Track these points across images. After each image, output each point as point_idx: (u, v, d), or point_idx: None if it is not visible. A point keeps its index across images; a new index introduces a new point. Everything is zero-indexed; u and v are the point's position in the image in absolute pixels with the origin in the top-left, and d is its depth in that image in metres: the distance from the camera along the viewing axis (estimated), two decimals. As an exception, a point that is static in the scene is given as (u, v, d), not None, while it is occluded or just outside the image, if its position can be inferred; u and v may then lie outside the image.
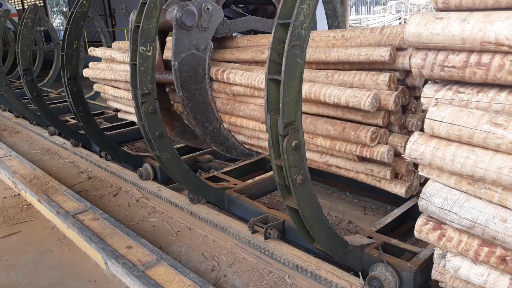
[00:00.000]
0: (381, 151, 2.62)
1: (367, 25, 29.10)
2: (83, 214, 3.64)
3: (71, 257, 3.29)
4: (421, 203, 1.75)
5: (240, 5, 4.38)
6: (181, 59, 3.38)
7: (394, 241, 2.70)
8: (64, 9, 38.47)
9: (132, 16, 3.56)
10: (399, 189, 2.76)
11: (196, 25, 3.39)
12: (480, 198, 1.62)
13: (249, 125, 3.49)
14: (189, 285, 2.61)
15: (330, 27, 4.36)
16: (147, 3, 2.90)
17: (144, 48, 2.94)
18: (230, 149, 3.92)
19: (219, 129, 3.78)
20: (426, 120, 1.64)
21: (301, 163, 2.14)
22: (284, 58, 1.95)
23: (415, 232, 1.84)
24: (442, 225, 1.75)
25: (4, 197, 4.43)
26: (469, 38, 1.51)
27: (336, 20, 4.35)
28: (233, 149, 3.92)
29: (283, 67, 1.96)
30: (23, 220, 3.92)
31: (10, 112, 7.94)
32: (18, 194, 4.47)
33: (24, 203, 4.27)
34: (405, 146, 2.26)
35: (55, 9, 48.67)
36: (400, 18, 34.17)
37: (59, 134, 6.22)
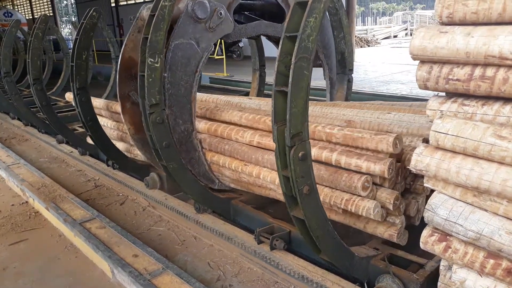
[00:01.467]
0: (367, 206, 2.52)
1: (373, 35, 29.17)
2: (90, 222, 3.67)
3: (78, 265, 3.31)
4: (427, 215, 1.76)
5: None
6: (179, 43, 3.26)
7: (400, 252, 2.70)
8: (73, 19, 38.96)
9: (142, 10, 3.60)
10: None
11: (204, 21, 3.35)
12: (486, 210, 1.63)
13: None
14: (195, 294, 2.62)
15: (336, 38, 4.39)
16: (156, 15, 2.96)
17: (152, 60, 2.99)
18: (192, 163, 3.65)
19: (190, 133, 3.55)
20: (431, 132, 1.66)
21: (308, 173, 2.16)
22: (291, 70, 1.99)
23: (420, 243, 1.85)
24: (447, 237, 1.76)
25: (12, 205, 4.48)
26: (473, 52, 1.53)
27: (341, 32, 4.39)
28: (196, 163, 3.68)
29: (290, 79, 1.99)
30: (31, 228, 3.95)
31: (19, 120, 8.02)
32: (26, 202, 4.51)
33: (32, 210, 4.31)
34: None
35: (64, 18, 49.34)
36: (406, 29, 34.28)
37: (67, 143, 6.28)
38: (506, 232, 1.55)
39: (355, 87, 8.62)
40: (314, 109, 4.12)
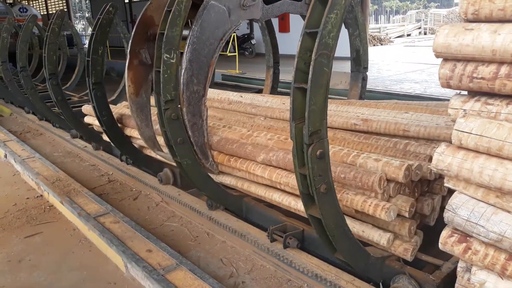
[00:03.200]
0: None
1: (387, 34, 28.89)
2: (104, 217, 3.69)
3: (91, 259, 3.33)
4: (447, 215, 1.73)
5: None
6: (215, 4, 3.14)
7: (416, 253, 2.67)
8: (87, 15, 39.23)
9: None
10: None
11: None
12: (509, 212, 1.59)
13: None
14: (208, 290, 2.62)
15: (351, 36, 4.35)
16: (172, 11, 2.95)
17: (168, 55, 2.98)
18: (194, 129, 3.44)
19: (200, 97, 3.37)
20: (454, 131, 1.63)
21: (326, 172, 2.14)
22: (311, 67, 1.96)
23: (439, 244, 1.82)
24: (468, 238, 1.73)
25: (28, 198, 4.52)
26: (500, 49, 1.50)
27: (357, 29, 4.34)
28: (197, 131, 3.47)
29: (310, 76, 1.97)
30: (46, 221, 3.99)
31: (34, 115, 8.11)
32: (41, 195, 4.56)
33: (46, 204, 4.35)
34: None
35: (78, 14, 49.77)
36: (420, 28, 33.90)
37: (81, 137, 6.33)
38: (530, 234, 1.51)
39: (369, 85, 8.57)
40: (329, 107, 4.09)
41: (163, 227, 3.83)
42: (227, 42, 17.75)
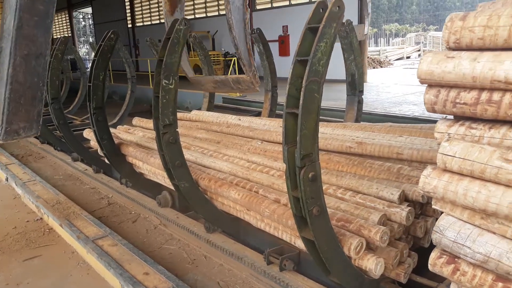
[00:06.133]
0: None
1: (386, 57, 29.26)
2: (103, 240, 3.71)
3: (90, 282, 3.34)
4: (435, 237, 1.77)
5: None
6: None
7: (411, 275, 2.68)
8: (91, 40, 39.85)
9: None
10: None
11: None
12: (494, 233, 1.63)
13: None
14: (204, 313, 2.63)
15: (346, 60, 4.46)
16: (171, 38, 3.06)
17: (166, 81, 3.07)
18: None
19: None
20: (438, 154, 1.68)
21: (318, 194, 2.18)
22: (302, 93, 2.04)
23: (429, 265, 1.85)
24: (456, 259, 1.76)
25: (27, 221, 4.55)
26: (479, 76, 1.56)
27: (352, 54, 4.45)
28: None
29: (301, 101, 2.04)
30: (45, 244, 4.01)
31: (36, 138, 8.20)
32: (41, 218, 4.59)
33: (46, 227, 4.38)
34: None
35: (82, 39, 50.62)
36: (419, 50, 34.33)
37: (82, 160, 6.40)
38: (515, 255, 1.55)
39: (368, 108, 8.63)
40: (325, 130, 4.16)
41: (161, 250, 3.84)
42: (228, 66, 18.02)
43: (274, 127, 4.53)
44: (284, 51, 18.46)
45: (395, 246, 2.57)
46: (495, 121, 1.66)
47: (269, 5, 19.33)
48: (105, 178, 5.64)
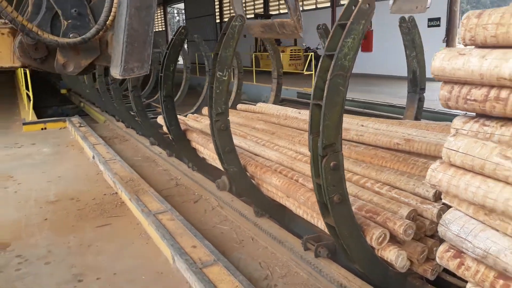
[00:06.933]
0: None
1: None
2: (163, 214, 4.13)
3: (147, 250, 3.76)
4: (440, 229, 1.81)
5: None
6: None
7: (440, 273, 2.67)
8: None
9: None
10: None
11: None
12: (497, 230, 1.64)
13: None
14: (237, 286, 2.87)
15: (408, 57, 4.38)
16: (226, 33, 3.31)
17: (221, 73, 3.34)
18: None
19: None
20: (443, 149, 1.72)
21: (340, 183, 2.30)
22: (326, 86, 2.16)
23: (436, 258, 1.89)
24: (461, 254, 1.79)
25: (105, 194, 5.16)
26: (486, 73, 1.58)
27: (414, 51, 4.37)
28: None
29: (325, 94, 2.17)
30: (116, 215, 4.54)
31: (122, 123, 9.06)
32: (116, 193, 5.17)
33: (119, 200, 4.94)
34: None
35: (175, 33, 53.44)
36: None
37: (158, 145, 6.98)
38: (512, 252, 1.56)
39: (431, 105, 8.07)
40: (380, 126, 4.17)
41: (214, 229, 4.16)
42: (305, 60, 18.02)
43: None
44: (367, 47, 18.00)
45: (424, 242, 2.58)
46: (506, 119, 1.67)
47: (353, 0, 18.94)
48: (176, 161, 6.12)
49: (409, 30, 4.27)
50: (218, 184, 4.80)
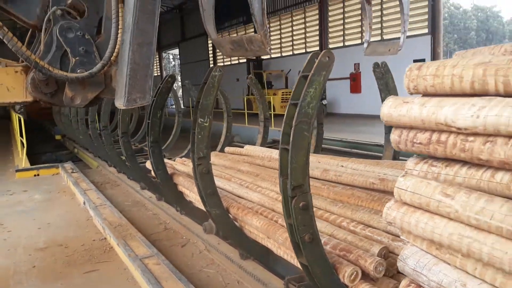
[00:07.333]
0: None
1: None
2: (149, 259, 4.18)
3: (133, 295, 3.80)
4: (399, 264, 1.93)
5: None
6: None
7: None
8: (178, 78, 42.73)
9: None
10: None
11: None
12: (448, 263, 1.76)
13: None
14: (218, 328, 2.91)
15: (383, 100, 4.60)
16: (207, 83, 3.52)
17: (202, 120, 3.52)
18: None
19: None
20: (395, 188, 1.87)
21: (310, 222, 2.42)
22: (292, 132, 2.33)
23: (399, 292, 1.99)
24: (420, 287, 1.89)
25: (94, 240, 5.21)
26: (426, 119, 1.76)
27: (388, 94, 4.60)
28: None
29: (291, 139, 2.33)
30: (104, 260, 4.58)
31: (114, 168, 9.18)
32: (105, 238, 5.22)
33: (108, 246, 4.98)
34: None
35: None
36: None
37: (149, 189, 7.07)
38: (461, 284, 1.66)
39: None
40: (358, 167, 4.32)
41: (201, 273, 4.21)
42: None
43: (312, 162, 4.77)
44: (355, 88, 18.54)
45: (397, 278, 2.67)
46: (449, 160, 1.82)
47: (341, 44, 19.70)
48: (165, 205, 6.20)
49: (382, 74, 4.53)
50: (205, 227, 4.87)
